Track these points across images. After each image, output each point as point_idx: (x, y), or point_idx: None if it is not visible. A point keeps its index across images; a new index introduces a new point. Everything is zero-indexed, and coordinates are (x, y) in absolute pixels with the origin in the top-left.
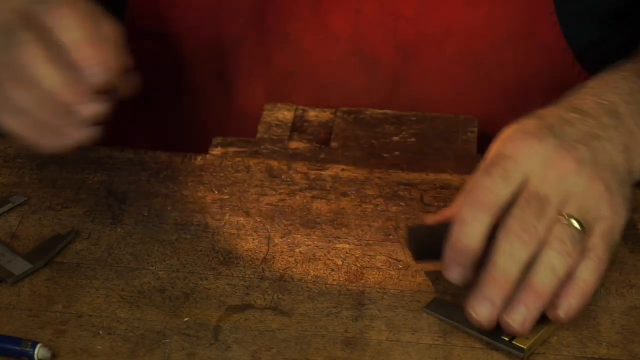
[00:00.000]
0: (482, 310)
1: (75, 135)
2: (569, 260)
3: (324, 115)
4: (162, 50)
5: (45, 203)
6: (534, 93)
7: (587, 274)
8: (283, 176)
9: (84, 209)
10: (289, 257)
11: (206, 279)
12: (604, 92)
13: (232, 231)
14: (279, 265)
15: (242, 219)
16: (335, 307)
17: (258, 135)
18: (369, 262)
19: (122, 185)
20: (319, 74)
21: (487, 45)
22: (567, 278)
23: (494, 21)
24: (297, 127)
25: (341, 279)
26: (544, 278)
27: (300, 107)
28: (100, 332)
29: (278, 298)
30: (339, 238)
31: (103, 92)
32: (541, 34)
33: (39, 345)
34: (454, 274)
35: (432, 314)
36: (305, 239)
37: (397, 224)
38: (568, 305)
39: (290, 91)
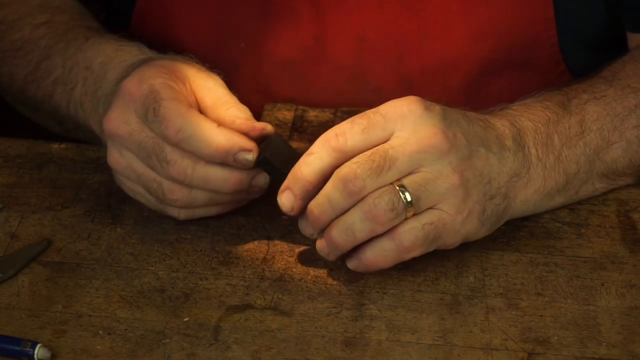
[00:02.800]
0: (303, 228)
1: (251, 196)
2: (373, 228)
3: (324, 115)
4: (173, 40)
5: (45, 203)
6: None
7: (375, 252)
8: None
9: (84, 209)
10: (289, 257)
11: (206, 279)
12: (520, 116)
13: (232, 231)
14: (279, 265)
15: (242, 219)
16: (335, 307)
17: None
18: None
19: None
20: (320, 102)
21: (488, 76)
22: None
23: (497, 54)
24: (297, 127)
25: (341, 279)
26: (339, 233)
27: (300, 107)
28: (100, 332)
29: (278, 298)
30: None
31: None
32: (540, 59)
33: (38, 346)
34: (284, 198)
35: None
36: (306, 239)
37: None
38: (350, 265)
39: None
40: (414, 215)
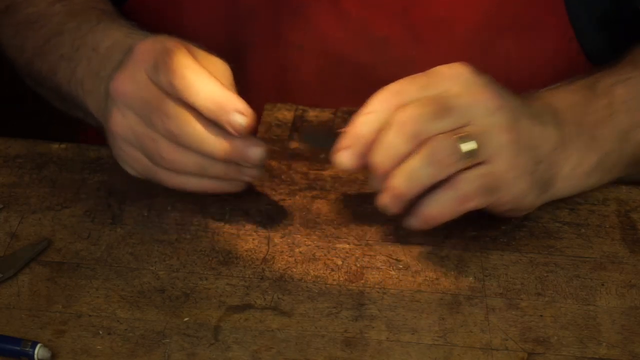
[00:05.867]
0: (371, 182)
1: (244, 178)
2: (436, 173)
3: (324, 115)
4: (176, 20)
5: (45, 203)
6: (538, 81)
7: (434, 204)
8: (283, 176)
9: (84, 209)
10: (289, 257)
11: (206, 279)
12: (551, 98)
13: (232, 231)
14: (279, 265)
15: (242, 219)
16: (335, 307)
17: (258, 135)
18: (369, 262)
19: (122, 185)
20: (327, 49)
21: (494, 32)
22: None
23: (503, 8)
24: (297, 127)
25: (341, 279)
26: (402, 180)
27: (301, 107)
28: (100, 332)
29: (278, 298)
30: (339, 238)
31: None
32: (548, 23)
33: (38, 346)
34: (342, 157)
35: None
36: (305, 239)
37: (397, 224)
38: (408, 223)
39: (298, 64)
40: (471, 167)
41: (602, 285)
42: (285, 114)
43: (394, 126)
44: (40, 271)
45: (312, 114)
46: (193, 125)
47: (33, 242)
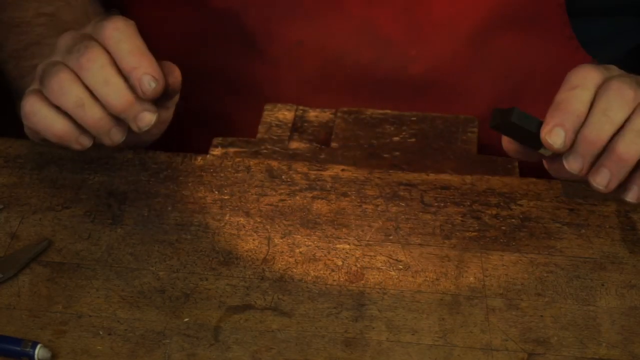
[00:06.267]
0: (573, 165)
1: (108, 136)
2: None
3: (324, 115)
4: (167, 19)
5: (45, 203)
6: (537, 78)
7: None
8: (283, 176)
9: (84, 209)
10: (289, 257)
11: (206, 280)
12: None
13: (233, 231)
14: (279, 265)
15: (242, 219)
16: (335, 308)
17: (258, 135)
18: (369, 262)
19: (122, 185)
20: (328, 46)
21: (495, 30)
22: None
23: (504, 7)
24: (298, 128)
25: (341, 279)
26: (628, 144)
27: (301, 107)
28: (101, 333)
29: (278, 298)
30: (339, 238)
31: (152, 101)
32: (547, 20)
33: (39, 346)
34: (555, 136)
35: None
36: (306, 240)
37: (397, 224)
38: (632, 195)
39: (297, 61)
40: None
41: (602, 285)
42: (285, 114)
43: (611, 94)
44: (40, 271)
45: (312, 114)
46: (105, 66)
47: (33, 242)
